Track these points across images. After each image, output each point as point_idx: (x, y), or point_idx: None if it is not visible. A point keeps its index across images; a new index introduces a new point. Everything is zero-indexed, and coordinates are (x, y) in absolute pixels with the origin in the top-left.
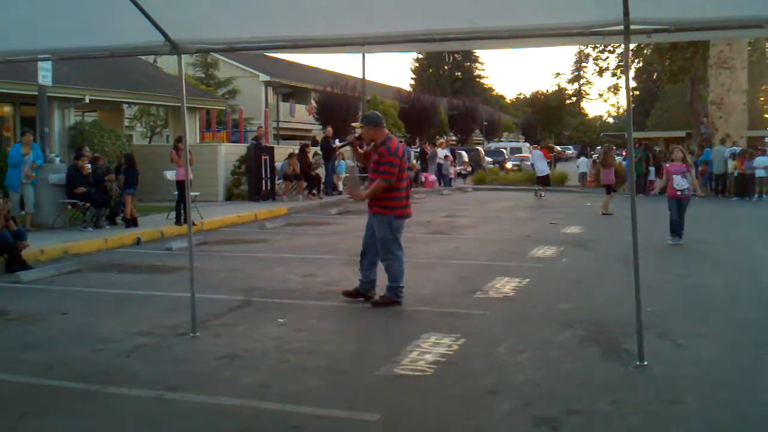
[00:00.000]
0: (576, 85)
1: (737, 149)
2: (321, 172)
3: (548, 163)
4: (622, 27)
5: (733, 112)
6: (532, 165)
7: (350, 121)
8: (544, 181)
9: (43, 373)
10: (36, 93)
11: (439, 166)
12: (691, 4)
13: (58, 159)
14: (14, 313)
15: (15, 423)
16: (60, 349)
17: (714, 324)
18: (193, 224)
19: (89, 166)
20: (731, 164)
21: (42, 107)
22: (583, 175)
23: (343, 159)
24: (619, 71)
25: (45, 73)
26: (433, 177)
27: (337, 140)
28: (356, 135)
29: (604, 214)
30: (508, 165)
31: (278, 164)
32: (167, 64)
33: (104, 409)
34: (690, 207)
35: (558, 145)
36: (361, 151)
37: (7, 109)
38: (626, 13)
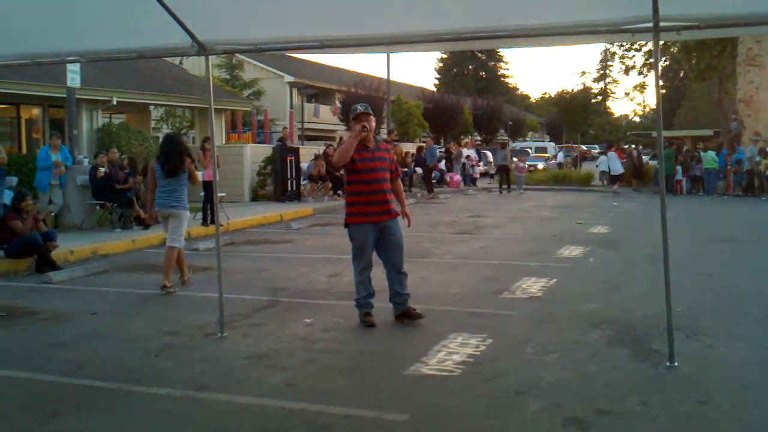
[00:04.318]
0: (602, 84)
1: None
2: None
3: (622, 163)
4: (651, 24)
5: (762, 110)
6: (608, 165)
7: (375, 121)
8: (618, 179)
9: (73, 372)
10: (64, 95)
11: (464, 166)
12: (721, 1)
13: (86, 161)
14: (45, 312)
15: (46, 421)
16: (89, 349)
17: (744, 324)
18: (220, 225)
19: (102, 170)
20: (763, 163)
21: (70, 109)
22: (604, 174)
23: None
24: (645, 69)
25: (73, 76)
26: (458, 177)
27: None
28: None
29: None
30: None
31: (303, 165)
32: (193, 65)
33: (133, 408)
34: (720, 206)
35: (583, 144)
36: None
37: (35, 111)
38: (656, 10)
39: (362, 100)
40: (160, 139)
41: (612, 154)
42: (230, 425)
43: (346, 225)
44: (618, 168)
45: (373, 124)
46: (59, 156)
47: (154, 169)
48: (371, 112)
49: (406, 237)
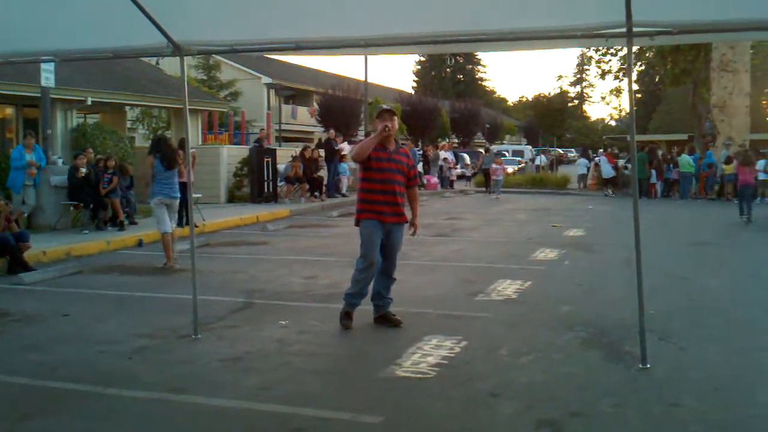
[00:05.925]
0: (578, 88)
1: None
2: (323, 173)
3: (612, 166)
4: (625, 29)
5: (736, 115)
6: (599, 167)
7: (353, 123)
8: (610, 182)
9: (45, 374)
10: (38, 95)
11: (441, 168)
12: (694, 7)
13: (60, 161)
14: (16, 314)
15: (16, 424)
16: (62, 351)
17: (716, 326)
18: (195, 226)
19: (83, 170)
20: (733, 167)
21: (44, 109)
22: (582, 177)
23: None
24: (621, 74)
25: (48, 75)
26: (435, 179)
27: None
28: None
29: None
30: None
31: (280, 166)
32: (169, 66)
33: (106, 411)
34: (693, 209)
35: (560, 148)
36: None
37: (9, 111)
38: (629, 15)
39: (340, 102)
40: (151, 141)
41: (603, 158)
42: (204, 428)
43: (357, 223)
44: (609, 171)
45: (396, 124)
46: (33, 156)
47: (153, 164)
48: (395, 112)
49: None
